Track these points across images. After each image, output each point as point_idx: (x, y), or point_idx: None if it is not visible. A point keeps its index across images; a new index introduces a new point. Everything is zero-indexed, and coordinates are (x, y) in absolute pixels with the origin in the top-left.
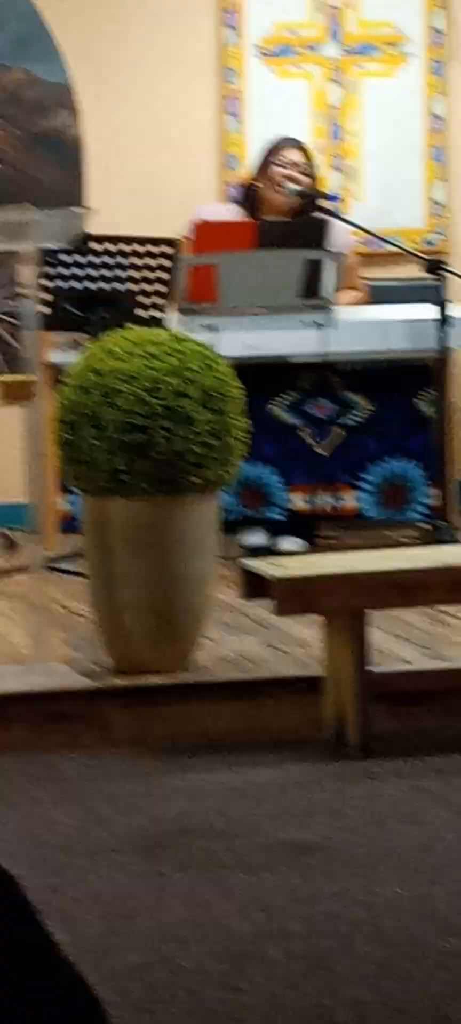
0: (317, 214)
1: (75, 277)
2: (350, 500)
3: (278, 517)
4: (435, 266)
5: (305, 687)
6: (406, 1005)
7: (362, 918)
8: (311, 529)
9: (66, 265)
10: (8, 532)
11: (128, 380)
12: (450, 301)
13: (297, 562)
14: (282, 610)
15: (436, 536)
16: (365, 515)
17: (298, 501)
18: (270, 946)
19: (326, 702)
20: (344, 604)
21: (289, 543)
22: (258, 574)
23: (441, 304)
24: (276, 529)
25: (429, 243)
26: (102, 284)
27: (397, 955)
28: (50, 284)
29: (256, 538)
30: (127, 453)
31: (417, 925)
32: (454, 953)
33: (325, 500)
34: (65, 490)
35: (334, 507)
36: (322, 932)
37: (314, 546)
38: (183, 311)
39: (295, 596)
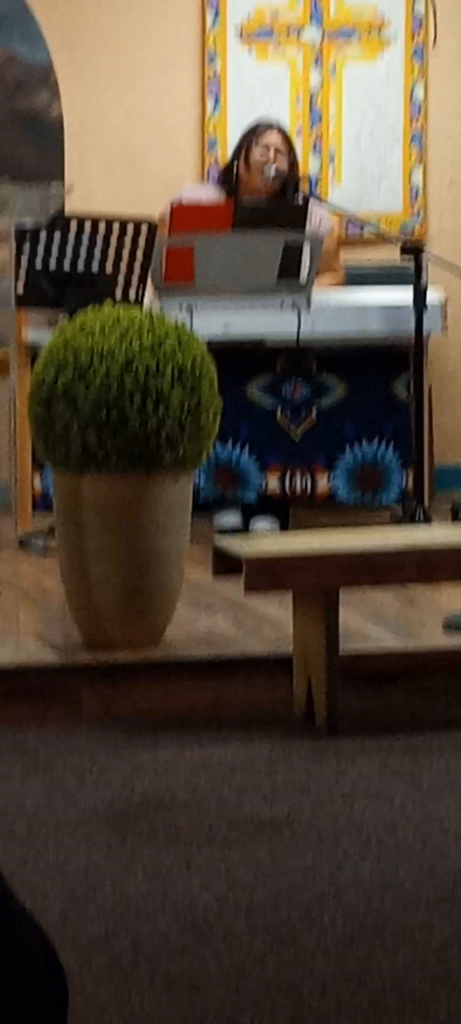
0: (296, 197)
1: (52, 255)
2: (324, 483)
3: (252, 499)
4: (412, 250)
5: (274, 666)
6: (369, 979)
7: (327, 893)
8: (285, 511)
9: (43, 243)
10: None
11: (102, 358)
12: (427, 286)
13: (268, 540)
14: (251, 587)
15: (410, 520)
16: (339, 498)
17: (273, 483)
18: (234, 918)
19: (295, 681)
20: (314, 583)
21: (263, 524)
22: (229, 552)
23: (418, 288)
24: (250, 511)
25: (407, 228)
26: (79, 263)
27: (361, 930)
28: (27, 262)
29: (230, 519)
30: (100, 430)
31: (382, 901)
32: (417, 928)
33: (299, 482)
34: (39, 468)
35: (308, 490)
36: (286, 906)
37: (288, 528)
38: (160, 292)
39: (265, 573)
